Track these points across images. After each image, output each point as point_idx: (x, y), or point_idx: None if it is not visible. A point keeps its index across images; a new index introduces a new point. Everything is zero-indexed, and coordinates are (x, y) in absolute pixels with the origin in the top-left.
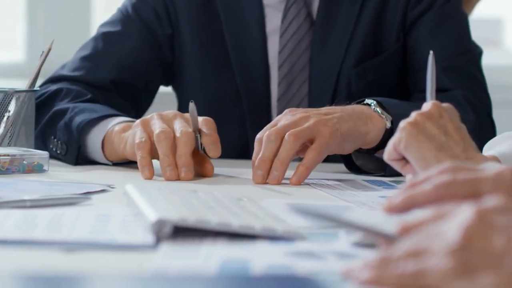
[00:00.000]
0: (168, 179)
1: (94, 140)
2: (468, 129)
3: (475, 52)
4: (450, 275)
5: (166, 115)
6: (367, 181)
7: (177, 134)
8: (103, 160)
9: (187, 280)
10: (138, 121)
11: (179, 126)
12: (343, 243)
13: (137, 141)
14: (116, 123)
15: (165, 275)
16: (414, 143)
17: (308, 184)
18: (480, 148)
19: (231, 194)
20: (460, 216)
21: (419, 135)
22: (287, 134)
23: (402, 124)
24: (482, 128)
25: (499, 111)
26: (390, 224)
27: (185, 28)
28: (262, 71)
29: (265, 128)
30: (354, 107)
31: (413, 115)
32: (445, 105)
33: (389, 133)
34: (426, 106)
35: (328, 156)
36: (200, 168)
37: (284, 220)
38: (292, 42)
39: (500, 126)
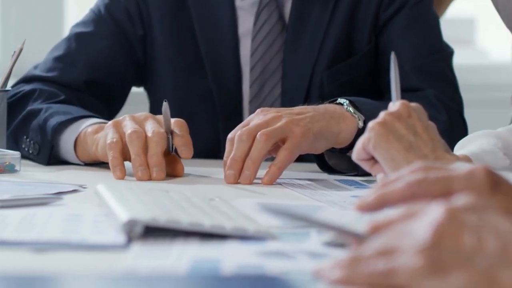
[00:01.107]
0: (139, 179)
1: (66, 140)
2: (440, 128)
3: (446, 52)
4: (420, 273)
5: (138, 116)
6: (339, 180)
7: (149, 134)
8: (75, 161)
9: (158, 280)
10: (110, 122)
11: (151, 126)
12: (314, 243)
13: (108, 141)
14: (89, 124)
15: (136, 275)
16: (383, 144)
17: (279, 183)
18: (452, 147)
19: (203, 194)
20: (430, 215)
21: (388, 136)
22: (259, 133)
23: (371, 124)
24: (453, 128)
25: (471, 110)
26: (362, 223)
27: (158, 29)
28: (234, 72)
29: (237, 127)
30: (326, 107)
31: (382, 115)
32: (414, 104)
33: (361, 133)
34: (395, 106)
35: (300, 156)
36: (171, 169)
37: (255, 220)
38: (264, 45)
39: (472, 125)
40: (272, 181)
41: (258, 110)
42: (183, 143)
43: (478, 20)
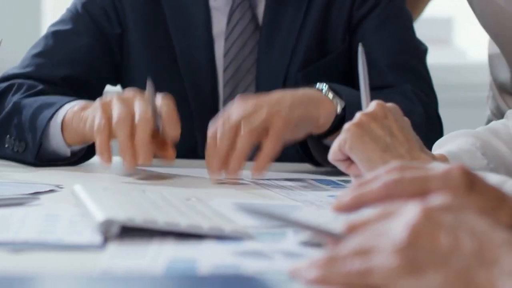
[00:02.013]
0: (128, 164)
1: (54, 126)
2: (416, 121)
3: (420, 49)
4: (396, 273)
5: (126, 96)
6: (316, 180)
7: (136, 117)
8: (63, 147)
9: (134, 280)
10: (97, 102)
11: (139, 108)
12: (291, 243)
13: (96, 126)
14: (74, 104)
15: (112, 275)
16: (359, 145)
17: (257, 183)
18: (428, 141)
19: (179, 194)
20: (406, 215)
21: (364, 136)
22: (242, 130)
23: (347, 125)
24: (430, 122)
25: (448, 110)
26: (338, 223)
27: (133, 29)
28: (209, 73)
29: (217, 120)
30: (305, 91)
31: (358, 115)
32: (390, 105)
33: (339, 119)
34: (371, 106)
35: (279, 156)
36: (161, 153)
37: (232, 219)
38: (237, 45)
39: (449, 125)
40: (261, 170)
41: (237, 98)
42: (170, 122)
43: (455, 20)
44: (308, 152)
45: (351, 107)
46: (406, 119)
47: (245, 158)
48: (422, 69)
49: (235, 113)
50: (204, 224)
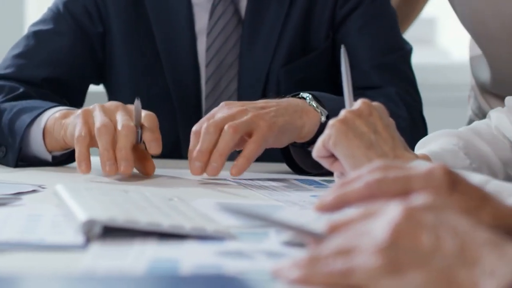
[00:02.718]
0: (108, 173)
1: (35, 132)
2: (401, 125)
3: (405, 49)
4: (378, 273)
5: (109, 106)
6: (299, 180)
7: (118, 127)
8: (44, 153)
9: (116, 280)
10: (79, 110)
11: (121, 119)
12: (273, 243)
13: (76, 134)
14: (56, 111)
15: (94, 275)
16: (343, 141)
17: (239, 183)
18: (413, 145)
19: (162, 194)
20: (388, 214)
21: (349, 133)
22: (226, 126)
23: (332, 121)
24: (414, 125)
25: (432, 110)
26: (321, 223)
27: (115, 27)
28: (192, 70)
29: (201, 120)
30: (289, 100)
31: (343, 112)
32: (375, 103)
33: (323, 128)
34: (356, 104)
35: (261, 155)
36: (141, 166)
37: (214, 219)
38: (219, 40)
39: (433, 125)
40: (240, 172)
41: (222, 104)
42: (153, 139)
43: (439, 20)
44: (290, 159)
45: (335, 116)
46: (391, 118)
47: (226, 157)
48: (407, 69)
49: (220, 114)
50: (186, 224)
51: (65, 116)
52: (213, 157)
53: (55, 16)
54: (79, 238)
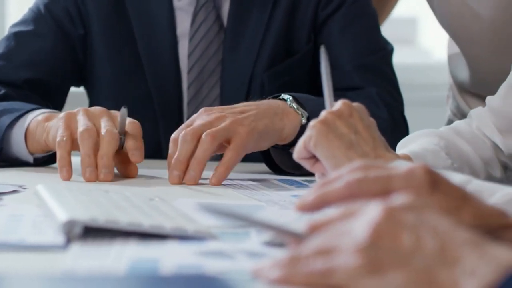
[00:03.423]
0: (87, 180)
1: (17, 134)
2: (382, 126)
3: (387, 50)
4: (358, 273)
5: (93, 111)
6: (280, 180)
7: (102, 132)
8: (25, 155)
9: (96, 280)
10: (63, 114)
11: (105, 124)
12: (254, 243)
13: (58, 139)
14: (38, 114)
15: (74, 275)
16: (324, 142)
17: (221, 184)
18: (394, 145)
19: (143, 194)
20: (368, 214)
21: (329, 133)
22: (204, 134)
23: (312, 122)
24: (395, 126)
25: (413, 109)
26: (301, 223)
27: (96, 30)
28: (173, 74)
29: (180, 128)
30: (270, 102)
31: (323, 113)
32: (355, 104)
33: (304, 129)
34: (337, 105)
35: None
36: (124, 169)
37: (195, 219)
38: (201, 45)
39: (413, 124)
40: (220, 181)
41: (201, 110)
42: (135, 147)
43: (420, 20)
44: (270, 160)
45: (316, 117)
46: (371, 119)
47: (205, 165)
48: (388, 70)
49: (198, 121)
50: (167, 224)
51: (47, 119)
52: (191, 166)
53: (36, 17)
54: (60, 238)
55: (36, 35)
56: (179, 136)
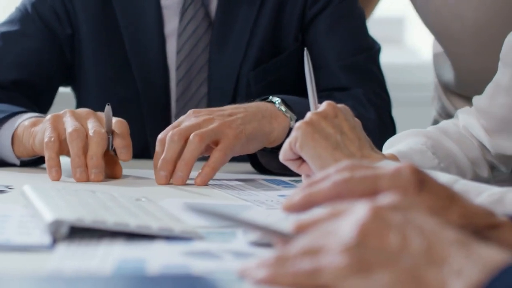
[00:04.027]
0: (78, 180)
1: (3, 136)
2: (369, 127)
3: (374, 49)
4: (345, 272)
5: (79, 113)
6: (267, 180)
7: (90, 133)
8: (12, 158)
9: (83, 281)
10: (49, 116)
11: (92, 125)
12: (240, 242)
13: (46, 140)
14: (26, 118)
15: (61, 275)
16: (309, 142)
17: (207, 184)
18: (381, 145)
19: (130, 194)
20: (355, 214)
21: (315, 134)
22: (192, 134)
23: (298, 124)
24: (383, 126)
25: (400, 109)
26: (288, 222)
27: (84, 29)
28: (161, 72)
29: (167, 128)
30: (258, 105)
31: (309, 115)
32: (340, 105)
33: None
34: (322, 106)
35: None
36: (109, 169)
37: (181, 219)
38: (189, 43)
39: (401, 124)
40: (205, 181)
41: (189, 112)
42: (124, 145)
43: (407, 19)
44: (256, 160)
45: (304, 117)
46: (357, 119)
47: (192, 166)
48: (375, 69)
49: (186, 122)
50: (153, 224)
51: (34, 124)
52: (178, 166)
53: (23, 17)
54: (46, 239)
55: (23, 35)
56: (166, 137)
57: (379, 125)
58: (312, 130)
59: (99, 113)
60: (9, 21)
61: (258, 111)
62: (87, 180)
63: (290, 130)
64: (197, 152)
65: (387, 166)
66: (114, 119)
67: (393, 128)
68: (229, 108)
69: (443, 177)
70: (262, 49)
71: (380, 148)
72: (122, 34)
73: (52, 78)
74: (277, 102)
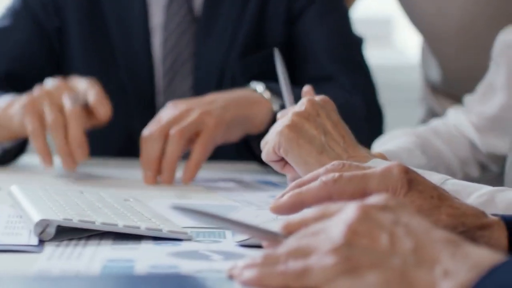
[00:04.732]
0: (66, 165)
1: None
2: (356, 114)
3: (359, 41)
4: (333, 272)
5: (52, 91)
6: (258, 181)
7: (67, 114)
8: None
9: (71, 281)
10: (24, 100)
11: (67, 105)
12: (229, 243)
13: (30, 128)
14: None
15: (48, 275)
16: (294, 148)
17: (197, 184)
18: (371, 131)
19: (118, 195)
20: (344, 214)
21: (299, 140)
22: (171, 132)
23: (280, 127)
24: (370, 113)
25: (387, 110)
26: (277, 223)
27: (71, 22)
28: (146, 65)
29: (149, 125)
30: (240, 92)
31: (290, 116)
32: (319, 99)
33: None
34: (301, 104)
35: (220, 155)
36: (92, 119)
37: (170, 220)
38: (174, 36)
39: (388, 125)
40: (190, 178)
41: (168, 104)
42: (98, 103)
43: (395, 21)
44: (251, 151)
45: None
46: (338, 115)
47: (177, 163)
48: (360, 59)
49: (165, 116)
50: (142, 224)
51: (9, 105)
52: (163, 166)
53: (13, 11)
54: (34, 239)
55: (13, 30)
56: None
57: (366, 111)
58: (296, 136)
59: (72, 81)
60: (1, 17)
61: (238, 97)
62: (75, 162)
63: (275, 114)
64: (178, 150)
65: (378, 164)
66: (85, 83)
67: (381, 114)
68: (209, 96)
69: (434, 177)
70: (246, 42)
71: (369, 135)
72: (108, 27)
73: (41, 70)
74: (258, 88)
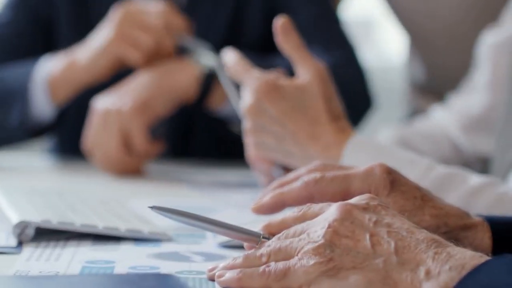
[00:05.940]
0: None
1: (36, 90)
2: (334, 63)
3: (345, 24)
4: (315, 273)
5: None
6: (239, 182)
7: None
8: (48, 106)
9: (49, 281)
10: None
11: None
12: (210, 244)
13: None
14: (53, 63)
15: (26, 277)
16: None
17: (179, 185)
18: (354, 85)
19: (98, 196)
20: (326, 214)
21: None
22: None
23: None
24: (351, 67)
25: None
26: (258, 224)
27: (61, 11)
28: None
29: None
30: (164, 65)
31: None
32: (264, 81)
33: (207, 80)
34: (246, 99)
35: (201, 151)
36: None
37: (150, 221)
38: None
39: (370, 126)
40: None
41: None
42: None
43: (377, 23)
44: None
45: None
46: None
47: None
48: (346, 38)
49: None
50: (121, 226)
51: (72, 61)
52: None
53: (10, 5)
54: (13, 241)
55: (10, 22)
56: None
57: (347, 67)
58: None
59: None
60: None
61: (158, 72)
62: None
63: (207, 77)
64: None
65: (360, 165)
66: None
67: (361, 68)
68: (127, 86)
69: (422, 162)
70: (224, 38)
71: (355, 89)
72: (96, 21)
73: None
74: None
